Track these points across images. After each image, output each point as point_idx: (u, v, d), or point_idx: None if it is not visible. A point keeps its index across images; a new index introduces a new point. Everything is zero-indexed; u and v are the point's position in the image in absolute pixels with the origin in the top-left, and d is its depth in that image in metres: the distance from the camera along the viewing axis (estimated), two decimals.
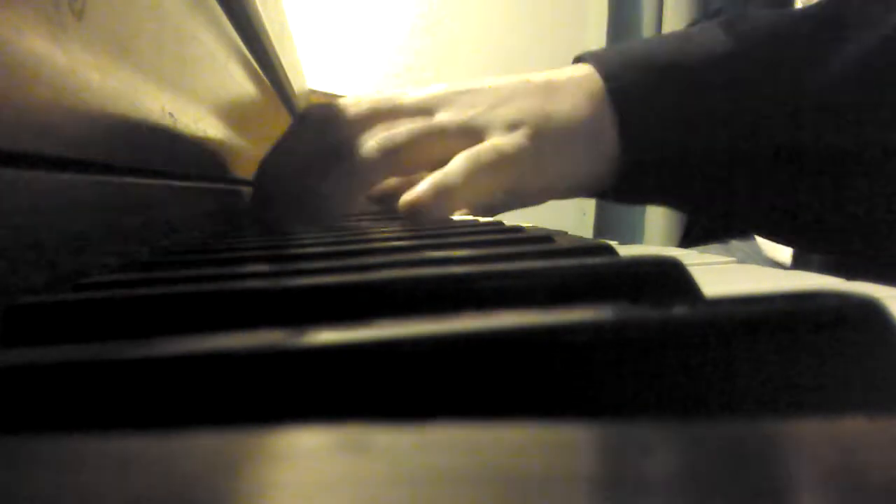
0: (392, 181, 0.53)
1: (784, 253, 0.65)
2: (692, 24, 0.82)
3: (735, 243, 0.78)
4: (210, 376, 0.11)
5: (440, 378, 0.11)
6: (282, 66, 0.74)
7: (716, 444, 0.07)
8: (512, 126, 0.45)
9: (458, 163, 0.45)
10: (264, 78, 0.70)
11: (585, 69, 0.47)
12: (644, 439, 0.07)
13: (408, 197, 0.46)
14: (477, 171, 0.45)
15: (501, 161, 0.45)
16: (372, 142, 0.46)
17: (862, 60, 0.42)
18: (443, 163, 0.46)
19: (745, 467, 0.06)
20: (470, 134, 0.47)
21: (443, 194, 0.45)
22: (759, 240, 0.72)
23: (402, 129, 0.46)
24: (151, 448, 0.07)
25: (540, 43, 1.79)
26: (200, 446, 0.07)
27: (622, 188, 0.47)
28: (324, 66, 1.71)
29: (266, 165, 0.49)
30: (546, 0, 1.82)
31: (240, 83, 0.58)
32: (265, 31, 0.62)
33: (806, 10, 0.47)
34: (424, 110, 0.48)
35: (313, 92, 1.32)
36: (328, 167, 0.46)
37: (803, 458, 0.07)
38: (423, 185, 0.45)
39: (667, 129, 0.45)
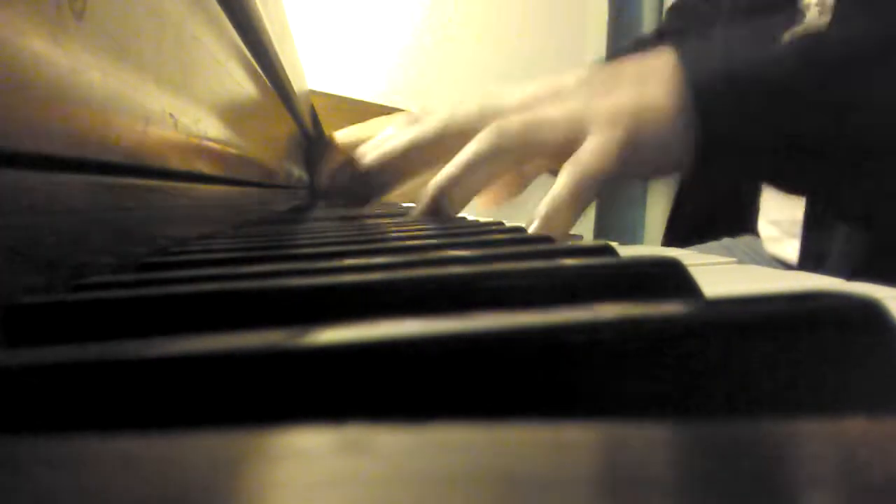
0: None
1: (789, 251, 0.65)
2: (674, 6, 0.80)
3: (734, 244, 0.78)
4: (210, 377, 0.11)
5: (441, 378, 0.11)
6: (282, 67, 0.74)
7: (716, 445, 0.07)
8: (611, 121, 0.47)
9: (565, 179, 0.47)
10: (264, 78, 0.70)
11: (670, 61, 0.48)
12: (644, 440, 0.07)
13: (536, 224, 0.47)
14: (584, 185, 0.46)
15: (606, 166, 0.47)
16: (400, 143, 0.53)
17: None
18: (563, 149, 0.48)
19: (745, 467, 0.06)
20: (573, 127, 0.48)
21: (553, 217, 0.46)
22: (763, 238, 0.72)
23: (513, 122, 0.49)
24: (152, 448, 0.07)
25: (540, 43, 1.79)
26: (201, 446, 0.07)
27: (701, 173, 0.50)
28: (324, 66, 1.71)
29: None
30: (546, 0, 1.82)
31: (240, 83, 0.58)
32: (265, 32, 0.62)
33: (854, 29, 0.49)
34: (526, 107, 0.50)
35: (313, 92, 1.33)
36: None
37: (803, 459, 0.07)
38: (540, 211, 0.47)
39: (738, 133, 0.47)
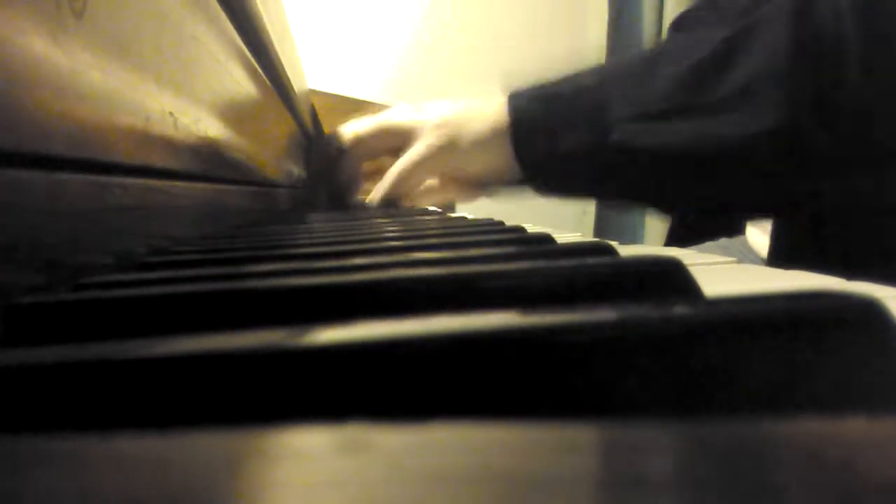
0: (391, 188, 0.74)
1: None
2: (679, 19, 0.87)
3: (731, 243, 0.78)
4: (210, 376, 0.11)
5: (441, 378, 0.11)
6: (282, 66, 0.73)
7: (716, 444, 0.07)
8: (433, 131, 0.65)
9: (397, 162, 0.69)
10: (265, 78, 0.70)
11: (501, 99, 0.63)
12: (644, 439, 0.07)
13: (375, 193, 0.72)
14: (410, 165, 0.67)
15: (425, 156, 0.66)
16: (347, 136, 0.73)
17: (677, 78, 0.53)
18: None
19: (745, 467, 0.06)
20: (413, 133, 0.67)
21: (394, 184, 0.69)
22: (752, 240, 0.73)
23: (369, 124, 0.72)
24: (152, 448, 0.07)
25: (540, 43, 1.79)
26: (201, 446, 0.07)
27: (530, 182, 0.63)
28: (324, 66, 1.71)
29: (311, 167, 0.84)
30: (546, 0, 1.82)
31: (240, 83, 0.58)
32: (266, 31, 0.62)
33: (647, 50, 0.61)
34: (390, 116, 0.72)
35: (313, 92, 1.32)
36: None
37: (803, 458, 0.07)
38: (379, 183, 0.71)
39: (544, 141, 0.59)
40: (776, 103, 0.48)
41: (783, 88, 0.48)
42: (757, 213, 0.65)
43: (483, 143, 0.63)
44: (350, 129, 0.74)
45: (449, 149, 0.65)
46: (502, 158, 0.61)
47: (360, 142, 0.72)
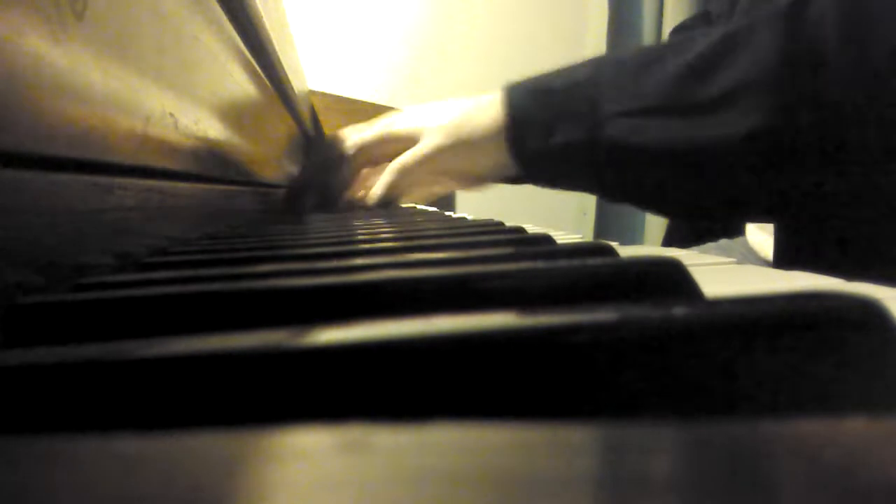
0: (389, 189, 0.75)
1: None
2: (678, 28, 0.89)
3: (731, 244, 0.78)
4: (210, 377, 0.11)
5: (441, 378, 0.11)
6: (282, 66, 0.74)
7: (716, 445, 0.07)
8: (435, 133, 0.66)
9: (396, 160, 0.70)
10: (264, 78, 0.70)
11: (499, 95, 0.63)
12: (644, 440, 0.07)
13: (374, 190, 0.73)
14: (410, 164, 0.68)
15: (426, 156, 0.67)
16: (349, 143, 0.73)
17: (673, 75, 0.54)
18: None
19: (745, 467, 0.06)
20: (412, 137, 0.68)
21: (393, 182, 0.70)
22: (753, 241, 0.73)
23: (370, 133, 0.72)
24: (152, 448, 0.07)
25: (540, 42, 1.79)
26: (201, 446, 0.07)
27: (528, 177, 0.64)
28: (324, 66, 1.71)
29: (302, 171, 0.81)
30: (546, 1, 1.82)
31: (240, 83, 0.58)
32: (265, 32, 0.62)
33: (647, 46, 0.62)
34: (388, 125, 0.71)
35: (313, 92, 1.32)
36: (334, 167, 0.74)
37: (804, 459, 0.07)
38: (379, 181, 0.72)
39: (538, 136, 0.59)
40: (763, 106, 0.49)
41: (771, 91, 0.49)
42: (749, 213, 0.66)
43: (482, 141, 0.63)
44: (352, 136, 0.74)
45: (449, 149, 0.65)
46: (500, 155, 0.62)
47: (362, 150, 0.72)
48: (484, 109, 0.63)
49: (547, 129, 0.58)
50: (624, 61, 0.57)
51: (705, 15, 0.85)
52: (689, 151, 0.53)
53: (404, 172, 0.69)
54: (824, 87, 0.48)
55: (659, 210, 0.63)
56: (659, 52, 0.55)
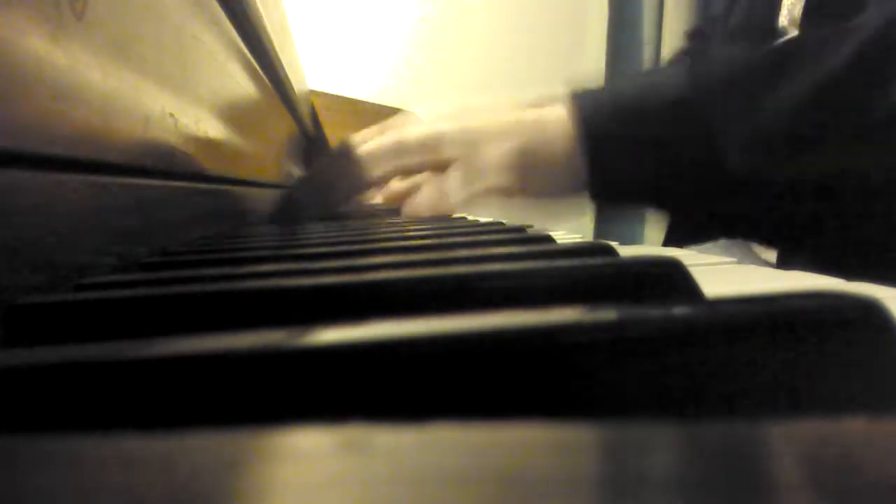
0: (400, 186, 0.68)
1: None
2: (693, 32, 0.87)
3: (731, 244, 0.78)
4: (210, 377, 0.11)
5: (441, 378, 0.11)
6: (282, 66, 0.74)
7: (716, 445, 0.07)
8: (500, 167, 0.56)
9: (459, 190, 0.58)
10: (264, 78, 0.70)
11: (565, 112, 0.55)
12: (644, 440, 0.07)
13: (416, 208, 0.61)
14: (476, 197, 0.57)
15: (491, 191, 0.57)
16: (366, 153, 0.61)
17: (813, 90, 0.45)
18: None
19: (745, 467, 0.06)
20: (470, 171, 0.57)
21: (449, 208, 0.60)
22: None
23: (412, 159, 0.60)
24: (152, 448, 0.07)
25: (540, 43, 1.79)
26: (201, 446, 0.07)
27: (595, 199, 0.57)
28: (324, 66, 1.71)
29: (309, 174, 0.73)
30: (546, 1, 1.82)
31: (240, 83, 0.58)
32: (265, 31, 0.62)
33: (763, 49, 0.52)
34: (428, 148, 0.59)
35: (313, 92, 1.32)
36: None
37: (804, 458, 0.07)
38: (423, 200, 0.61)
39: (625, 163, 0.53)
40: None
41: None
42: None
43: (554, 170, 0.55)
44: (366, 145, 0.63)
45: (516, 189, 0.56)
46: (569, 178, 0.55)
47: (375, 162, 0.61)
48: (550, 133, 0.55)
49: (640, 155, 0.51)
50: (736, 71, 0.49)
51: (710, 20, 0.82)
52: (851, 182, 0.46)
53: (468, 204, 0.59)
54: None
55: (786, 246, 0.55)
56: (784, 60, 0.47)
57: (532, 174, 0.55)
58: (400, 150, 0.60)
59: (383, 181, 0.63)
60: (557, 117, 0.55)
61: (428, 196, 0.60)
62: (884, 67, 0.42)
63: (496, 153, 0.56)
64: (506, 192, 0.56)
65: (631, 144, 0.52)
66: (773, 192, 0.48)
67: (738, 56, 0.51)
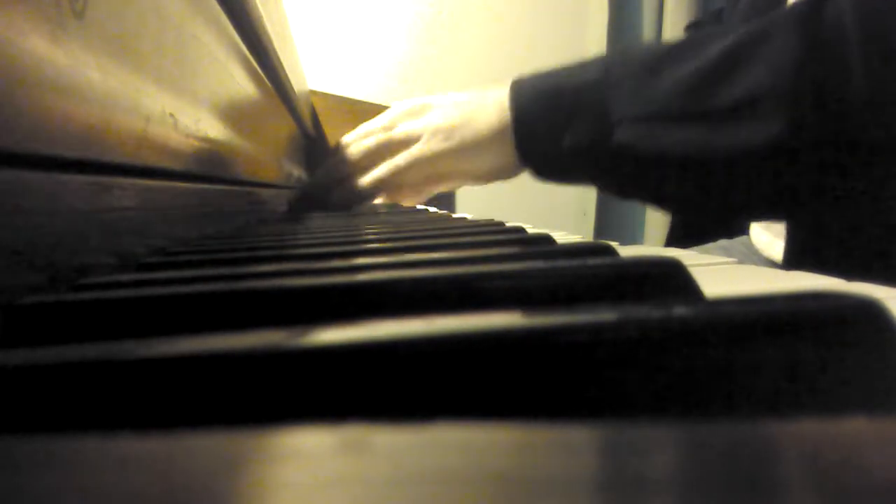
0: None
1: (779, 251, 0.66)
2: (691, 25, 0.88)
3: (731, 244, 0.78)
4: (210, 377, 0.11)
5: (441, 378, 0.11)
6: (282, 66, 0.74)
7: (717, 445, 0.07)
8: (433, 136, 0.66)
9: (394, 158, 0.69)
10: (264, 78, 0.70)
11: (505, 92, 0.62)
12: (644, 440, 0.07)
13: (364, 180, 0.71)
14: (407, 163, 0.67)
15: (425, 157, 0.66)
16: (352, 149, 0.72)
17: (689, 77, 0.52)
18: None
19: (745, 467, 0.06)
20: (412, 140, 0.67)
21: (376, 181, 0.69)
22: (758, 241, 0.73)
23: (370, 141, 0.71)
24: (152, 448, 0.07)
25: (540, 43, 1.79)
26: (201, 447, 0.07)
27: (534, 175, 0.63)
28: (324, 66, 1.71)
29: (317, 172, 0.79)
30: (546, 1, 1.82)
31: (240, 83, 0.58)
32: (265, 31, 0.62)
33: (677, 41, 0.57)
34: (389, 127, 0.70)
35: (313, 92, 1.32)
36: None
37: (804, 458, 0.07)
38: (374, 172, 0.70)
39: (547, 139, 0.59)
40: (784, 113, 0.48)
41: (791, 98, 0.48)
42: (762, 216, 0.65)
43: (486, 142, 0.63)
44: (344, 139, 0.72)
45: (449, 152, 0.65)
46: (506, 156, 0.62)
47: (354, 151, 0.71)
48: (488, 109, 0.62)
49: (556, 132, 0.58)
50: (634, 62, 0.55)
51: (718, 13, 0.84)
52: (704, 160, 0.52)
53: (396, 173, 0.68)
54: (846, 89, 0.46)
55: (667, 209, 0.62)
56: (670, 54, 0.54)
57: (468, 141, 0.63)
58: (368, 133, 0.71)
59: (380, 182, 0.71)
60: (497, 96, 0.62)
61: (379, 172, 0.69)
62: (737, 64, 0.50)
63: (437, 115, 0.66)
64: (443, 162, 0.65)
65: (547, 123, 0.58)
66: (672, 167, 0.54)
67: (654, 46, 0.58)
